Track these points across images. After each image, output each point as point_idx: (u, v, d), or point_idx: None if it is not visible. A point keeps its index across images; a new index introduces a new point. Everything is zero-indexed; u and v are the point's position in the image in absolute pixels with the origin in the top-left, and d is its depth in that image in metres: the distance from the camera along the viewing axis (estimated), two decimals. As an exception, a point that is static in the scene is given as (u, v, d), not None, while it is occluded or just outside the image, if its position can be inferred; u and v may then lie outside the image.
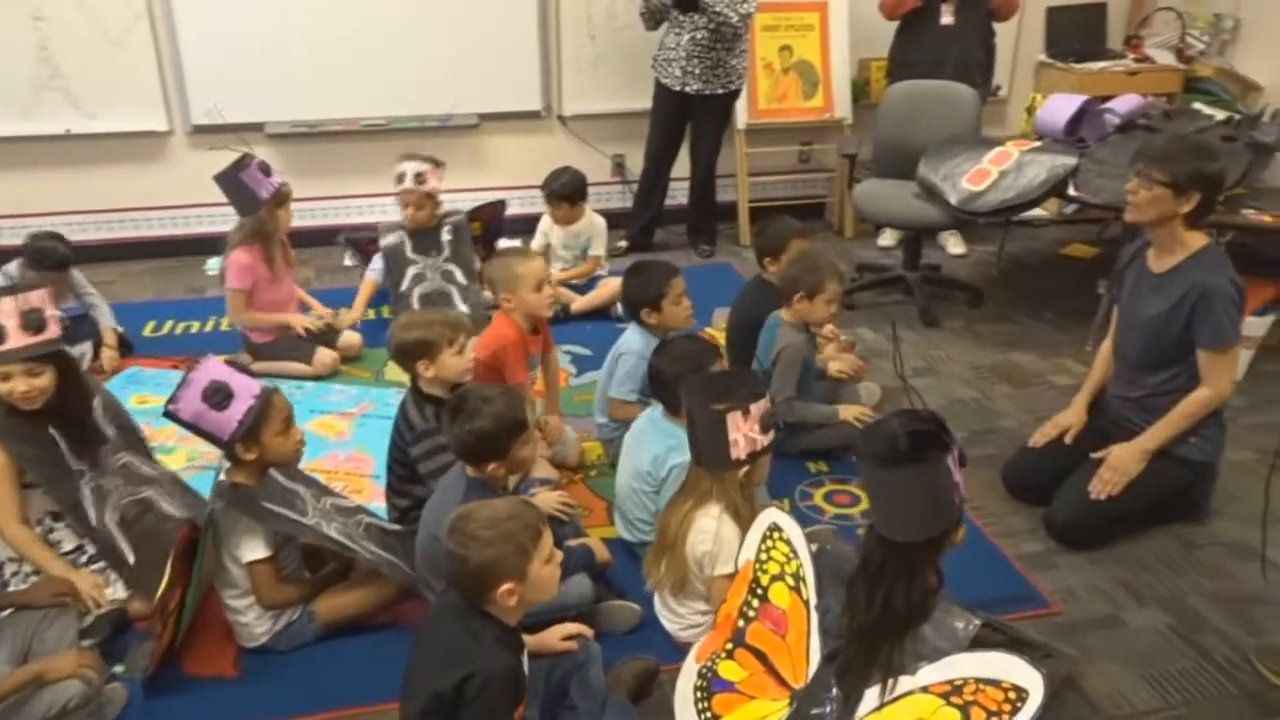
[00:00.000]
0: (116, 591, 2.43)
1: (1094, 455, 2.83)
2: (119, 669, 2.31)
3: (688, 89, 4.67)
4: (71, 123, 4.65)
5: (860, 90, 5.41)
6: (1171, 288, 2.72)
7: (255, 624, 2.35)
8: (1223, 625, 2.50)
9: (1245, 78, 5.33)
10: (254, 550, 2.31)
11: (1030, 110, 5.02)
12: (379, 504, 2.79)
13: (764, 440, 2.23)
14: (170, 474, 2.65)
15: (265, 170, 3.77)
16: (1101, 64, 5.39)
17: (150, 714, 2.23)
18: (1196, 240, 2.71)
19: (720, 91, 4.73)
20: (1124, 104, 4.18)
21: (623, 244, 4.99)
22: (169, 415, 2.27)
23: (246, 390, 2.28)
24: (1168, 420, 2.74)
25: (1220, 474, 2.92)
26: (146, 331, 4.15)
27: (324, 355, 3.80)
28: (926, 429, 1.88)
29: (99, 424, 2.58)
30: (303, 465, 2.63)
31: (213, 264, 4.89)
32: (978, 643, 1.92)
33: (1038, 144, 4.13)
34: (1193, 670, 2.36)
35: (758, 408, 2.18)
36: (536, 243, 4.41)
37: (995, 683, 1.76)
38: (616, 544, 2.74)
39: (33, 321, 2.37)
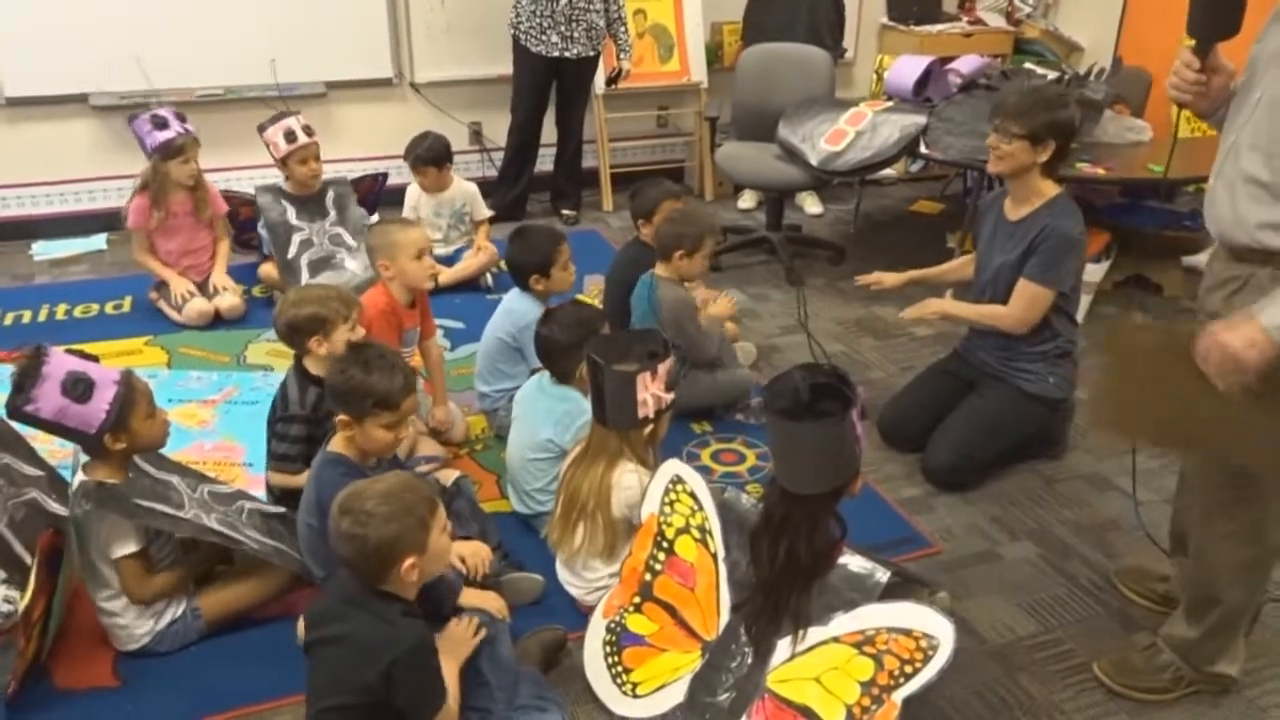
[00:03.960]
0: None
1: (906, 313, 3.06)
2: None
3: (568, 54, 4.61)
4: None
5: (714, 54, 5.46)
6: (1024, 233, 2.84)
7: (135, 625, 2.20)
8: (1086, 552, 2.69)
9: (1068, 39, 5.67)
10: (123, 545, 2.16)
11: (880, 72, 5.19)
12: (257, 493, 2.65)
13: (668, 398, 2.25)
14: (50, 473, 2.43)
15: (160, 124, 3.67)
16: (939, 26, 5.62)
17: (17, 733, 2.07)
18: (1051, 189, 2.86)
19: (592, 54, 4.73)
20: (966, 64, 4.37)
21: (489, 213, 4.88)
22: (25, 417, 2.07)
23: (107, 378, 2.12)
24: (971, 309, 2.99)
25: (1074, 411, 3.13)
26: (-31, 324, 3.81)
27: (197, 304, 3.77)
28: (828, 382, 1.93)
29: None
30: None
31: (39, 247, 4.54)
32: (888, 593, 1.98)
33: (889, 104, 4.28)
34: (1064, 595, 2.53)
35: (665, 367, 2.20)
36: (406, 215, 4.23)
37: (907, 632, 1.83)
38: (510, 517, 2.71)
39: None
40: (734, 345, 3.54)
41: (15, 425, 2.37)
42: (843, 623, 1.92)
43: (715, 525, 2.13)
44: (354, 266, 3.96)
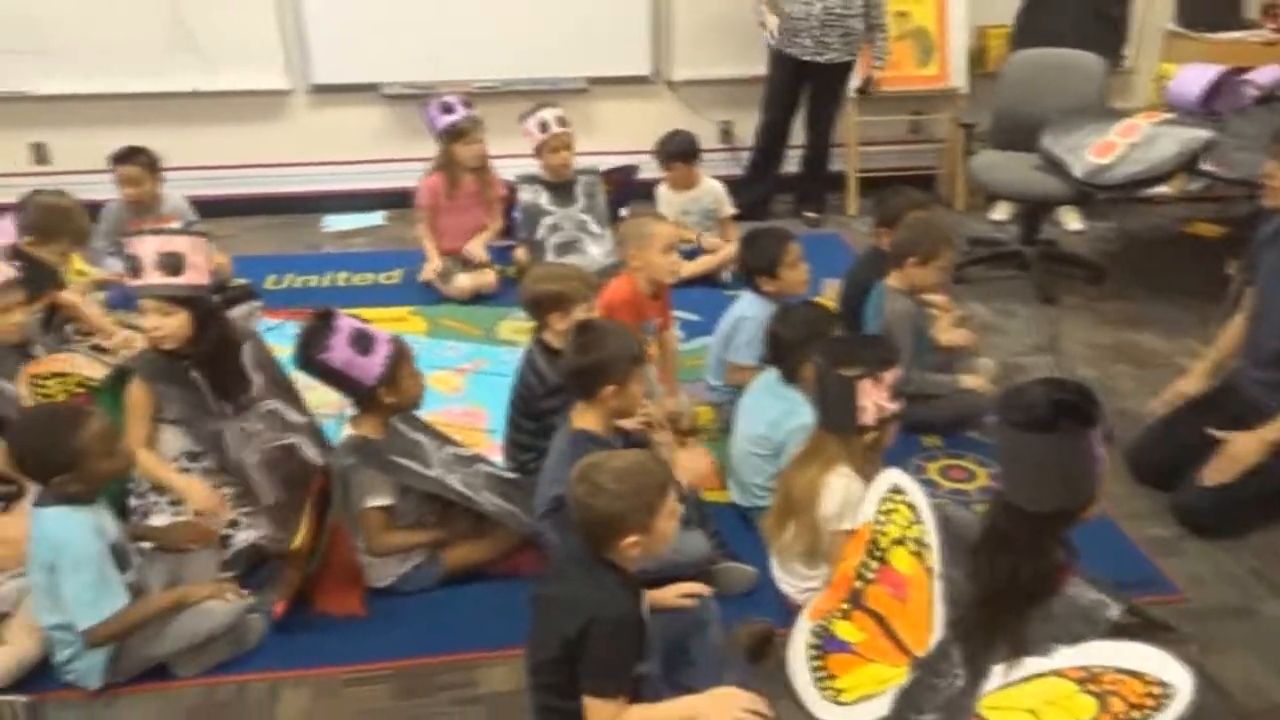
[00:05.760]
0: (259, 528, 2.52)
1: (1216, 434, 2.70)
2: (252, 600, 2.38)
3: (820, 58, 4.61)
4: (199, 81, 4.81)
5: (977, 58, 5.25)
6: None
7: (384, 565, 2.44)
8: (1366, 620, 2.40)
9: (1397, 50, 5.02)
10: (376, 497, 2.38)
11: (1160, 81, 4.82)
12: (495, 458, 2.84)
13: (893, 407, 2.21)
14: (312, 422, 2.74)
15: (446, 109, 4.04)
16: (1236, 34, 5.13)
17: (282, 647, 2.33)
18: None
19: (848, 59, 4.70)
20: (1266, 75, 3.99)
21: (732, 211, 4.95)
22: (315, 363, 2.32)
23: (382, 337, 2.38)
24: None
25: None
26: (268, 284, 4.27)
27: (461, 280, 4.07)
28: (1072, 400, 1.84)
29: (245, 371, 2.65)
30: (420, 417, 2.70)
31: (328, 220, 5.04)
32: (1120, 632, 1.86)
33: (1169, 116, 3.97)
34: (1333, 665, 2.27)
35: (889, 375, 2.17)
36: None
37: (1138, 675, 1.71)
38: (729, 508, 2.75)
39: (169, 263, 2.47)
40: (973, 361, 3.41)
41: (290, 378, 2.70)
42: (1066, 655, 1.82)
43: (934, 539, 2.08)
44: (596, 252, 4.18)
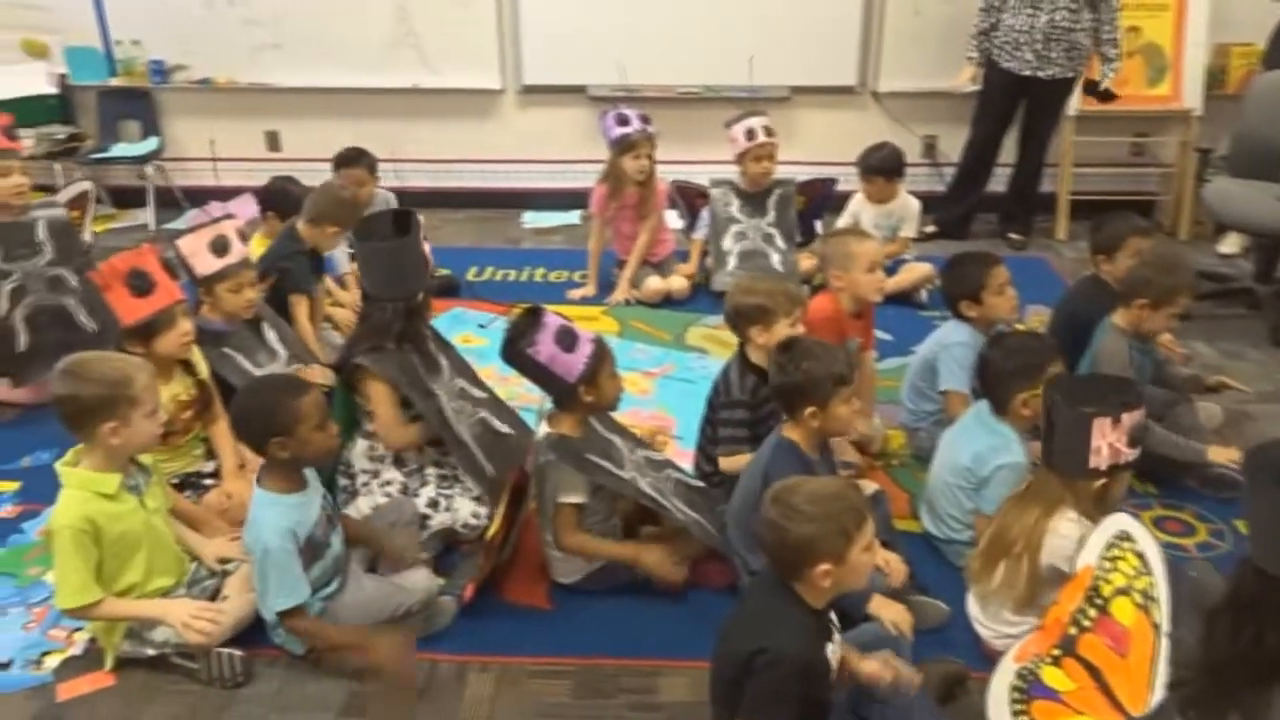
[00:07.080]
0: (456, 511, 2.60)
1: None
2: (444, 582, 2.46)
3: (1041, 73, 4.41)
4: (419, 78, 5.06)
5: (1215, 78, 4.87)
6: None
7: (570, 562, 2.46)
8: None
9: None
10: (570, 494, 2.41)
11: None
12: (683, 464, 2.83)
13: (1129, 454, 2.05)
14: (492, 396, 2.85)
15: (621, 120, 4.05)
16: None
17: (470, 632, 2.39)
18: None
19: (1071, 75, 4.48)
20: None
21: (931, 229, 4.79)
22: (521, 357, 2.36)
23: (585, 336, 2.40)
24: None
25: None
26: (469, 276, 4.44)
27: (652, 281, 4.15)
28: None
29: (433, 353, 2.77)
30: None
31: (528, 217, 5.20)
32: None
33: None
34: None
35: (1130, 417, 2.01)
36: (843, 223, 4.29)
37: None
38: (920, 538, 2.66)
39: None
40: (1194, 405, 3.15)
41: (462, 356, 2.87)
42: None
43: (1163, 594, 1.91)
44: (778, 266, 4.13)
